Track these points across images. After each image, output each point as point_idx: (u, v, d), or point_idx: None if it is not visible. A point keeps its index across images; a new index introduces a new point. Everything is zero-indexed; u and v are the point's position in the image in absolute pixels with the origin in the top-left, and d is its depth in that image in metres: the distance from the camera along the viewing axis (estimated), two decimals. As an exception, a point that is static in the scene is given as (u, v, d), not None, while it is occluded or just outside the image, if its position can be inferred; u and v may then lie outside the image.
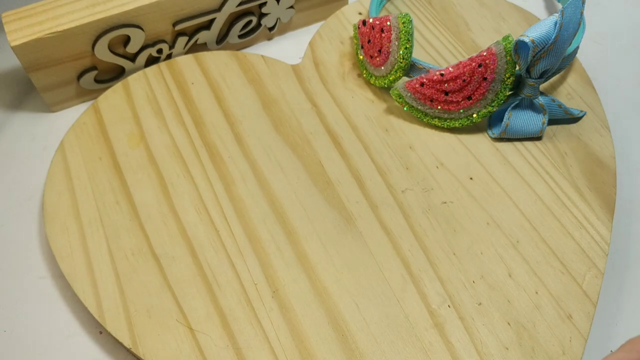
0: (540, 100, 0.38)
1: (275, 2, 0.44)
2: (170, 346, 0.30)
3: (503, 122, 0.39)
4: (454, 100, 0.38)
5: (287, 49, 0.47)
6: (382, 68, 0.41)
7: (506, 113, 0.39)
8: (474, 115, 0.39)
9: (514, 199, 0.37)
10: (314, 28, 0.48)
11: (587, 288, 0.33)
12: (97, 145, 0.38)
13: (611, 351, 0.33)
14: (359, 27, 0.43)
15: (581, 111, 0.40)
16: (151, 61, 0.43)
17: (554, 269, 0.34)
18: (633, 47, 0.49)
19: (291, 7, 0.46)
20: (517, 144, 0.39)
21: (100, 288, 0.32)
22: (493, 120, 0.40)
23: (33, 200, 0.38)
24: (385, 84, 0.41)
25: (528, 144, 0.40)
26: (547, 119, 0.39)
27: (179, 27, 0.42)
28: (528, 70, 0.37)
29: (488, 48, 0.37)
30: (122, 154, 0.38)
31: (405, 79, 0.41)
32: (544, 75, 0.37)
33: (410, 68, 0.40)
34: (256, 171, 0.37)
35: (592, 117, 0.41)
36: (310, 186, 0.37)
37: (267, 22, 0.46)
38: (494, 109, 0.38)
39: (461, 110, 0.39)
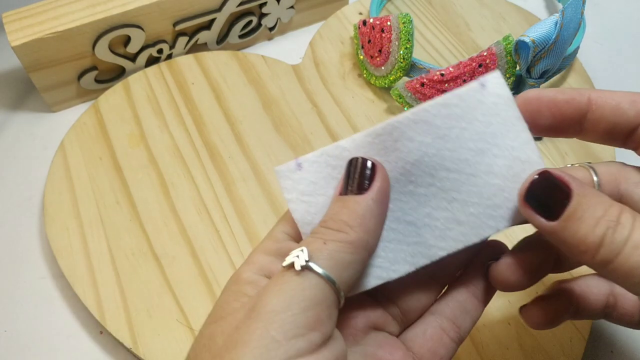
0: (541, 100, 0.38)
1: (276, 2, 0.44)
2: (170, 346, 0.30)
3: (503, 122, 0.39)
4: (454, 100, 0.38)
5: (287, 49, 0.47)
6: (383, 68, 0.41)
7: (506, 113, 0.38)
8: (474, 115, 0.39)
9: (514, 199, 0.36)
10: (314, 28, 0.48)
11: (588, 288, 0.33)
12: (98, 145, 0.38)
13: (611, 352, 0.33)
14: (359, 27, 0.43)
15: (581, 111, 0.40)
16: (151, 61, 0.43)
17: (554, 269, 0.34)
18: (633, 47, 0.49)
19: (291, 7, 0.46)
20: (518, 144, 0.39)
21: (100, 288, 0.32)
22: (493, 120, 0.40)
23: (33, 200, 0.38)
24: (385, 84, 0.41)
25: (528, 144, 0.39)
26: (547, 119, 0.39)
27: (179, 27, 0.42)
28: (528, 70, 0.37)
29: (488, 48, 0.37)
30: (122, 154, 0.38)
31: (405, 79, 0.41)
32: (544, 75, 0.37)
33: (411, 68, 0.40)
34: (256, 171, 0.37)
35: (593, 117, 0.41)
36: (310, 186, 0.37)
37: (267, 22, 0.46)
38: (494, 109, 0.38)
39: (461, 110, 0.39)
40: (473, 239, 0.21)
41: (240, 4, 0.43)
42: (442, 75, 0.38)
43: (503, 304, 0.32)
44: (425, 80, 0.38)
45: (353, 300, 0.22)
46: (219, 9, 0.42)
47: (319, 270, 0.19)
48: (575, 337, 0.31)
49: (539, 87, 0.37)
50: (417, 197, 0.22)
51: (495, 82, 0.21)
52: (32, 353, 0.32)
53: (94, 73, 0.41)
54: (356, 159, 0.21)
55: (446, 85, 0.38)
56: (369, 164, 0.21)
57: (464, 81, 0.37)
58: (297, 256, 0.19)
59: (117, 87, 0.41)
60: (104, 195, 0.36)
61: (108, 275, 0.33)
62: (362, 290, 0.21)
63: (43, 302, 0.34)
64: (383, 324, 0.23)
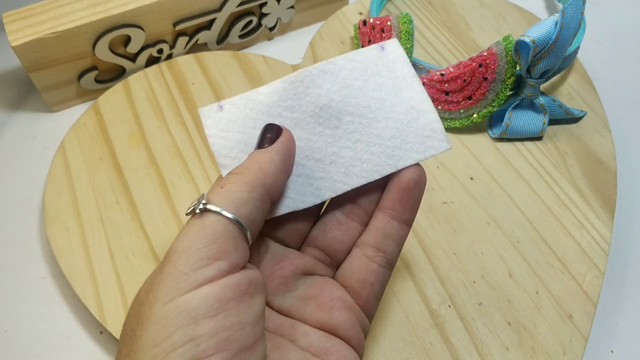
0: (541, 100, 0.38)
1: (276, 2, 0.44)
2: (170, 346, 0.30)
3: (503, 122, 0.39)
4: (455, 100, 0.38)
5: (287, 49, 0.47)
6: (383, 68, 0.40)
7: (507, 113, 0.39)
8: (475, 116, 0.39)
9: (515, 199, 0.37)
10: (314, 28, 0.48)
11: (588, 288, 0.33)
12: (98, 145, 0.38)
13: (611, 352, 0.33)
14: (359, 27, 0.43)
15: (582, 111, 0.40)
16: (152, 61, 0.43)
17: (554, 269, 0.34)
18: (633, 47, 0.49)
19: (291, 7, 0.46)
20: (518, 144, 0.39)
21: (100, 288, 0.32)
22: (493, 121, 0.40)
23: (33, 200, 0.38)
24: (385, 84, 0.41)
25: (528, 144, 0.40)
26: (547, 119, 0.39)
27: (179, 27, 0.42)
28: (528, 70, 0.36)
29: (488, 48, 0.37)
30: (122, 154, 0.38)
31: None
32: (544, 75, 0.37)
33: (411, 68, 0.40)
34: (256, 171, 0.37)
35: (593, 117, 0.41)
36: (310, 186, 0.37)
37: (267, 22, 0.46)
38: (495, 109, 0.38)
39: (462, 111, 0.39)
40: (374, 175, 0.24)
41: (240, 4, 0.43)
42: (442, 75, 0.38)
43: (503, 304, 0.32)
44: (425, 80, 0.38)
45: (279, 253, 0.25)
46: (219, 9, 0.42)
47: (216, 209, 0.20)
48: (575, 337, 0.31)
49: (539, 87, 0.37)
50: (324, 137, 0.25)
51: (393, 46, 0.25)
52: (32, 353, 0.32)
53: (94, 73, 0.41)
54: (270, 124, 0.24)
55: (446, 85, 0.38)
56: (277, 127, 0.24)
57: (464, 81, 0.37)
58: (197, 202, 0.21)
59: (117, 87, 0.41)
60: (104, 195, 0.36)
61: (108, 275, 0.33)
62: (272, 216, 0.24)
63: (43, 302, 0.34)
64: (313, 269, 0.25)
